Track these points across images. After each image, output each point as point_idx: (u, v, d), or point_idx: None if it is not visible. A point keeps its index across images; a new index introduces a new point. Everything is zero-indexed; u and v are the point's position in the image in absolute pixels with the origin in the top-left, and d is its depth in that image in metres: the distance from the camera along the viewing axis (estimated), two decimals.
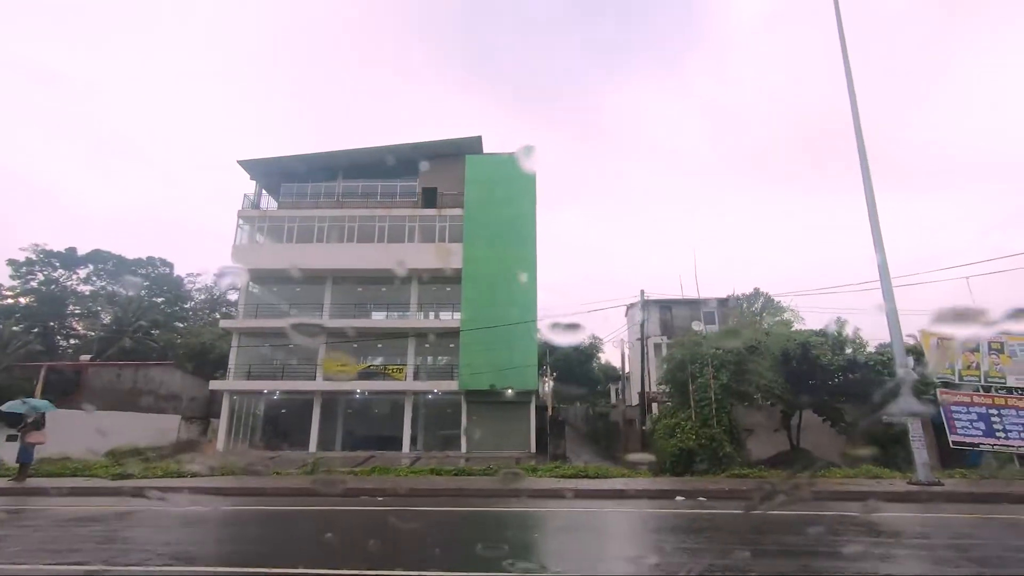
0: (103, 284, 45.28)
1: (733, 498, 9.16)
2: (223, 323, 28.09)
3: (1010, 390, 12.87)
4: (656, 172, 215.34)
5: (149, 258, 47.87)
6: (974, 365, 12.98)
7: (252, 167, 29.73)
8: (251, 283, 28.22)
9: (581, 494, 9.96)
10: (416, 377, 26.64)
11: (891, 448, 14.33)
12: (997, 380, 12.92)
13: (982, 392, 12.75)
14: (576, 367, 45.15)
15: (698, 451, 12.52)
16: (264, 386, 26.41)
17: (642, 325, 20.17)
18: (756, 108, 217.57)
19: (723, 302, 29.52)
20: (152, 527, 6.84)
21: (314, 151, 29.78)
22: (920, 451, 10.37)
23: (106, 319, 42.69)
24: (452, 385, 25.31)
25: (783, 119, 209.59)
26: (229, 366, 26.66)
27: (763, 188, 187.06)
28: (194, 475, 11.64)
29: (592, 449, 29.64)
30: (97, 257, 45.25)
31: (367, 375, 27.10)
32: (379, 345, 29.98)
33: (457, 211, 27.76)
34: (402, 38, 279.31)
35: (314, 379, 26.41)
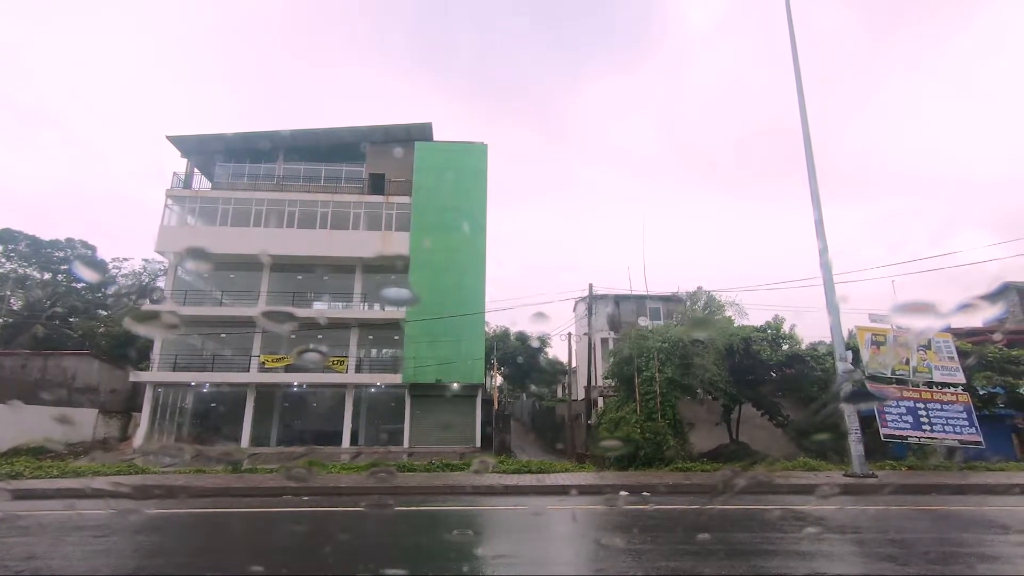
0: (13, 267, 41.40)
1: (677, 493, 9.00)
2: (146, 309, 26.07)
3: (935, 385, 13.47)
4: (608, 172, 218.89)
5: (68, 240, 43.96)
6: (904, 360, 13.47)
7: (183, 144, 27.74)
8: (180, 268, 26.35)
9: (524, 491, 9.57)
10: (359, 370, 25.63)
11: (823, 440, 14.79)
12: (924, 376, 13.47)
13: (911, 387, 13.25)
14: (524, 361, 44.97)
15: (642, 445, 12.40)
16: (192, 378, 24.71)
17: (589, 319, 20.03)
18: (704, 114, 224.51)
19: (669, 299, 29.99)
20: (20, 536, 5.90)
21: (253, 130, 28.08)
22: (856, 444, 10.58)
23: (16, 305, 39.08)
24: (396, 378, 24.48)
25: (728, 125, 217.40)
26: (153, 356, 24.82)
27: (710, 190, 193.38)
28: (97, 474, 10.49)
29: (538, 443, 29.49)
30: (7, 237, 41.24)
31: (299, 367, 25.72)
32: (320, 336, 28.69)
33: (405, 199, 26.86)
34: (355, 23, 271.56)
35: (248, 370, 24.94)
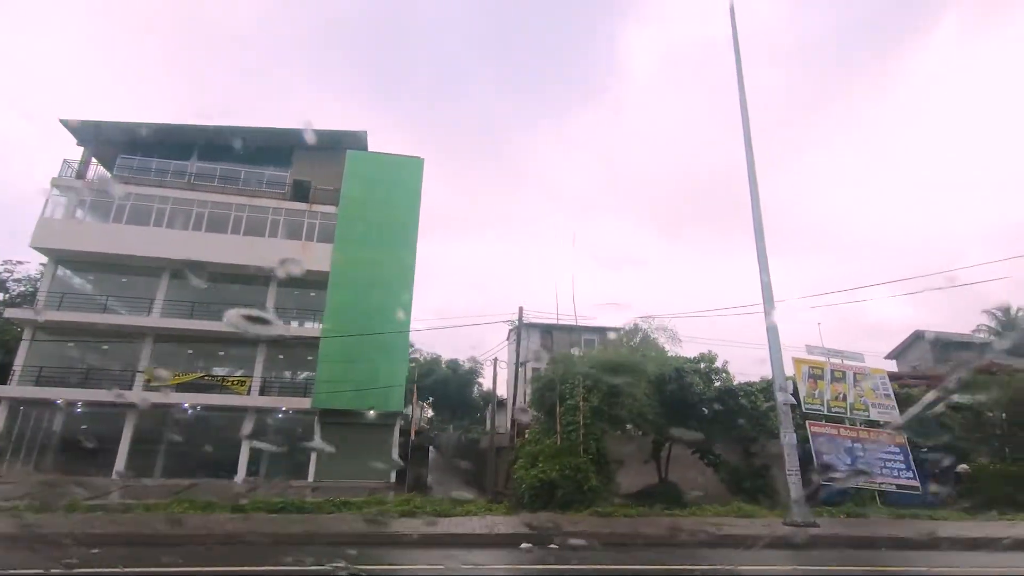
0: None
1: (593, 545, 7.47)
2: (9, 312, 22.36)
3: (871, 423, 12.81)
4: (550, 207, 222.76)
5: None
6: (841, 396, 12.76)
7: (81, 131, 24.76)
8: (60, 267, 23.07)
9: (406, 541, 7.79)
10: (263, 392, 22.92)
11: (755, 481, 13.86)
12: (861, 413, 12.78)
13: (848, 425, 12.51)
14: (454, 391, 43.02)
15: (560, 483, 10.85)
16: (58, 394, 21.16)
17: (517, 345, 18.64)
18: (646, 159, 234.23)
19: (603, 330, 29.25)
20: None
21: (166, 122, 25.53)
22: (796, 486, 9.44)
23: None
24: (305, 403, 22.01)
25: (666, 171, 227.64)
26: (14, 368, 21.19)
27: (649, 231, 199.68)
28: None
29: (460, 478, 27.36)
30: None
31: (200, 387, 22.84)
32: (221, 352, 25.83)
33: (331, 208, 24.88)
34: (309, 56, 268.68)
35: (130, 388, 21.78)
